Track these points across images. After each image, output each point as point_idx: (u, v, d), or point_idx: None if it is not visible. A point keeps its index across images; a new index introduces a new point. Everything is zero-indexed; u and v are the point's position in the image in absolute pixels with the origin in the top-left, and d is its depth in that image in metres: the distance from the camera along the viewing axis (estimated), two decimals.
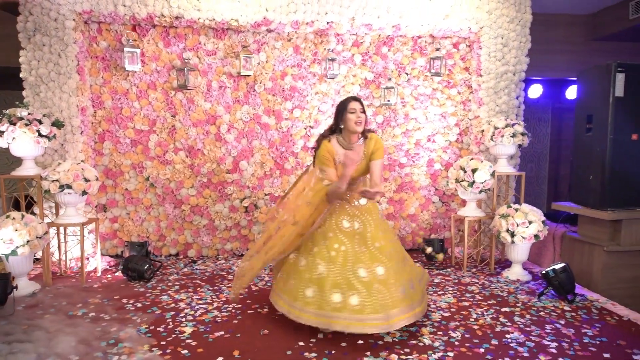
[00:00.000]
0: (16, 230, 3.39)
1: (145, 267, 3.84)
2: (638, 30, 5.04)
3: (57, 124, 3.88)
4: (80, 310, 3.20)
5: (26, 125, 3.64)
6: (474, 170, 3.98)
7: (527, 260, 4.21)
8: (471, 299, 3.45)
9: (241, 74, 4.38)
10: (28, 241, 3.43)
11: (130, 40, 4.28)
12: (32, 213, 3.83)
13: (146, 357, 2.54)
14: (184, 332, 2.87)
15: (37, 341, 2.68)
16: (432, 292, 3.59)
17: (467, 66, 4.77)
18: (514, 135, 4.11)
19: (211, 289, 3.67)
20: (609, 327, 2.99)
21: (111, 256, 4.48)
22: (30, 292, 3.50)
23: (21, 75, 4.09)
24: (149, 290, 3.62)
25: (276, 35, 4.52)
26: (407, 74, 4.71)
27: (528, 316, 3.13)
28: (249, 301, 3.40)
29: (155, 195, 4.53)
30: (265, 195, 4.64)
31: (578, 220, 4.11)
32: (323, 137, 2.93)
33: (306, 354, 2.58)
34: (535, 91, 5.83)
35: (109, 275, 4.00)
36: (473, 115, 4.72)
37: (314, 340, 2.74)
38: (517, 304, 3.35)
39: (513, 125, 4.15)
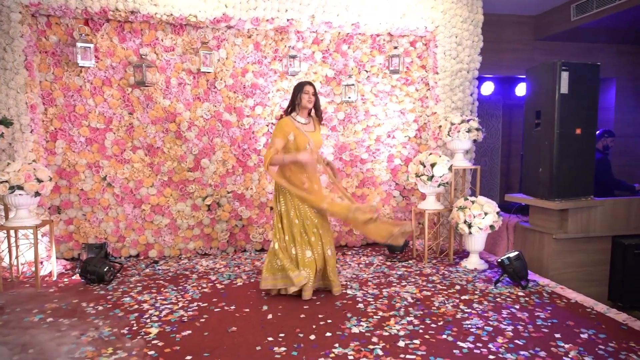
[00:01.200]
0: None
1: (105, 270, 3.72)
2: (579, 31, 5.38)
3: (5, 123, 3.69)
4: (37, 316, 3.07)
5: None
6: (432, 165, 4.13)
7: (484, 250, 4.41)
8: (433, 289, 3.58)
9: (201, 70, 4.32)
10: None
11: (83, 35, 4.12)
12: None
13: None
14: (150, 332, 2.81)
15: None
16: (395, 284, 3.70)
17: (424, 64, 4.93)
18: (469, 131, 4.30)
19: (175, 288, 3.61)
20: (559, 309, 3.20)
21: (67, 259, 4.31)
22: None
23: None
24: (110, 293, 3.52)
25: (236, 32, 4.49)
26: (366, 71, 4.81)
27: (486, 302, 3.29)
28: (214, 299, 3.38)
29: (113, 195, 4.39)
30: (228, 193, 4.60)
31: (529, 210, 4.35)
32: (282, 115, 3.52)
33: (275, 348, 2.60)
34: (488, 88, 6.09)
35: (66, 279, 3.85)
36: (430, 111, 4.88)
37: (282, 335, 2.77)
38: (476, 292, 3.51)
39: (468, 121, 4.33)
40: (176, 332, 2.83)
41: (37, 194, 3.56)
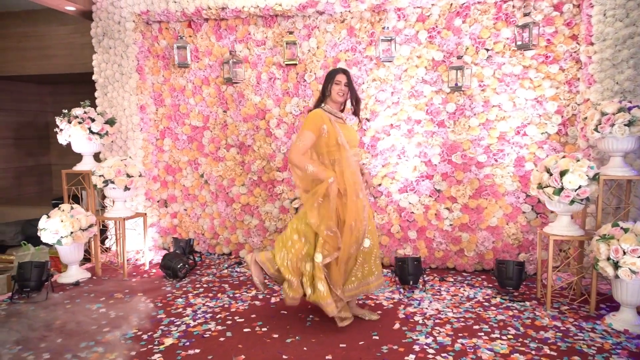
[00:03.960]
0: (62, 221, 3.62)
1: (179, 266, 3.77)
2: None
3: (110, 122, 4.06)
4: (96, 304, 3.24)
5: (79, 123, 3.87)
6: (562, 173, 2.92)
7: None
8: (534, 351, 2.49)
9: (285, 63, 4.01)
10: (72, 232, 3.63)
11: (184, 37, 4.27)
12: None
13: None
14: (163, 343, 2.64)
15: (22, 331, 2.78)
16: (483, 334, 2.72)
17: (576, 33, 3.58)
18: (630, 124, 2.90)
19: (231, 296, 3.40)
20: None
21: (167, 250, 4.57)
22: (73, 281, 3.71)
23: (93, 77, 4.41)
24: (173, 291, 3.52)
25: (328, 18, 4.03)
26: (487, 49, 3.75)
27: None
28: (254, 315, 3.03)
29: (209, 193, 4.47)
30: None
31: None
32: (315, 107, 2.89)
33: None
34: None
35: (154, 271, 4.05)
36: (582, 98, 3.52)
37: None
38: None
39: (630, 109, 2.93)
40: (184, 348, 2.58)
41: (126, 188, 3.80)
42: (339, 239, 2.65)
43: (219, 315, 3.03)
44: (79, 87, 6.31)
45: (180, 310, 3.14)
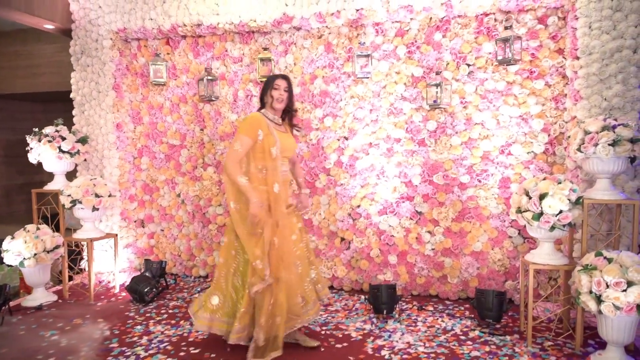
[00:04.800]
0: (25, 242, 3.52)
1: (146, 290, 3.61)
2: None
3: (82, 140, 3.98)
4: (51, 331, 3.09)
5: (49, 142, 3.79)
6: (542, 197, 2.70)
7: None
8: None
9: (259, 80, 3.90)
10: (35, 254, 3.52)
11: (161, 54, 4.20)
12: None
13: None
14: None
15: None
16: None
17: (562, 47, 3.38)
18: (615, 144, 2.67)
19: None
20: None
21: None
22: (37, 305, 3.59)
23: (71, 95, 4.36)
24: (136, 317, 3.36)
25: (305, 34, 3.91)
26: (468, 65, 3.57)
27: None
28: (210, 346, 2.84)
29: (186, 213, 4.33)
30: None
31: None
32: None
33: None
34: None
35: (124, 294, 3.90)
36: (569, 115, 3.30)
37: None
38: None
39: (614, 127, 2.70)
40: None
41: (94, 208, 3.69)
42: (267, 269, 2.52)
43: (173, 346, 2.85)
44: (69, 105, 6.31)
45: (136, 339, 2.97)
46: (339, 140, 3.88)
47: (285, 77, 2.75)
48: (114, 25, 4.15)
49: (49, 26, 4.26)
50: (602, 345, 2.74)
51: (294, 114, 2.86)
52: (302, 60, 3.92)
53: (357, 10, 3.55)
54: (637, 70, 3.03)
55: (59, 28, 4.31)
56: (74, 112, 4.36)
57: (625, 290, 2.36)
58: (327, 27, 3.82)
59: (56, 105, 6.71)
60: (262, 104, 2.78)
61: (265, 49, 3.91)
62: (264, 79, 3.81)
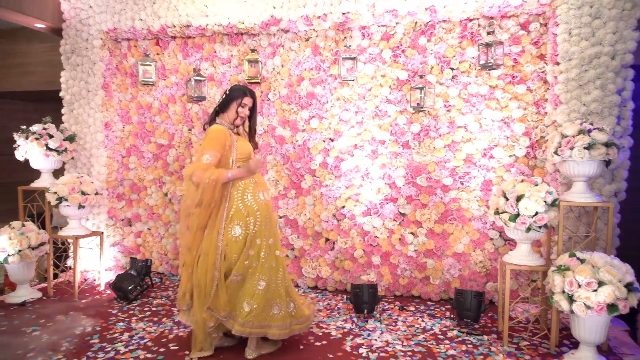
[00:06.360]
0: (10, 239, 3.53)
1: (130, 287, 3.63)
2: None
3: (70, 139, 4.01)
4: (33, 327, 3.10)
5: (36, 139, 3.82)
6: (518, 198, 2.74)
7: (631, 341, 2.71)
8: None
9: (247, 81, 3.94)
10: (19, 251, 3.53)
11: (150, 54, 4.24)
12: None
13: None
14: None
15: None
16: None
17: (543, 53, 3.44)
18: (590, 147, 2.72)
19: (176, 321, 3.24)
20: None
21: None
22: (20, 301, 3.59)
23: (60, 94, 4.39)
24: (119, 314, 3.38)
25: (293, 36, 3.96)
26: (452, 69, 3.62)
27: None
28: (177, 346, 2.86)
29: (173, 212, 4.36)
30: (280, 217, 4.05)
31: None
32: (211, 122, 2.76)
33: None
34: None
35: (108, 292, 3.92)
36: (550, 120, 3.35)
37: None
38: None
39: (590, 131, 2.75)
40: None
41: (81, 206, 3.71)
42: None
43: (153, 342, 2.87)
44: (61, 104, 6.34)
45: (117, 335, 2.99)
46: (324, 141, 3.93)
47: (253, 96, 2.73)
48: (104, 25, 4.19)
49: (40, 25, 4.29)
50: (576, 345, 2.77)
51: (254, 132, 2.86)
52: (290, 62, 3.97)
53: (344, 13, 3.60)
54: (614, 77, 3.09)
55: (50, 27, 4.34)
56: (63, 111, 4.39)
57: (596, 290, 2.40)
58: (314, 29, 3.87)
59: (48, 105, 6.73)
60: (217, 114, 2.71)
61: (253, 50, 3.96)
62: (254, 81, 3.91)
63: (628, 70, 3.11)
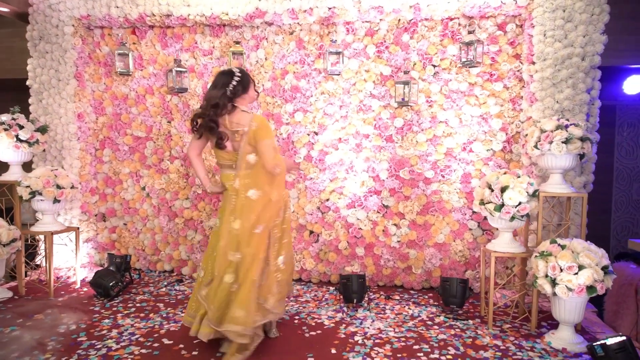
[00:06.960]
0: None
1: (111, 284, 3.52)
2: None
3: (42, 130, 3.81)
4: (10, 327, 2.95)
5: (5, 130, 3.61)
6: (503, 189, 2.90)
7: (601, 322, 2.95)
8: None
9: None
10: None
11: (127, 43, 4.09)
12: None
13: None
14: None
15: None
16: (423, 354, 2.62)
17: (519, 52, 3.64)
18: (567, 142, 2.92)
19: (164, 316, 3.18)
20: None
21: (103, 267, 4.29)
22: None
23: (27, 82, 4.16)
24: (102, 311, 3.27)
25: (277, 29, 3.95)
26: (434, 66, 3.76)
27: None
28: (183, 338, 2.83)
29: (151, 206, 4.25)
30: None
31: None
32: (222, 109, 2.63)
33: None
34: (634, 85, 4.30)
35: (85, 289, 3.77)
36: (525, 116, 3.56)
37: None
38: None
39: (567, 127, 2.96)
40: None
41: (56, 200, 3.54)
42: None
43: (145, 338, 2.81)
44: (22, 94, 5.97)
45: (105, 332, 2.90)
46: (309, 135, 3.96)
47: None
48: (76, 12, 4.00)
49: (4, 9, 4.04)
50: (554, 326, 2.99)
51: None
52: (274, 55, 3.96)
53: (330, 8, 3.64)
54: (584, 76, 3.33)
55: (15, 11, 4.10)
56: (30, 101, 4.16)
57: (577, 274, 2.60)
58: (299, 23, 3.89)
59: (7, 95, 6.31)
60: (234, 97, 2.63)
61: (237, 42, 3.92)
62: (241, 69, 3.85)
63: (596, 71, 3.36)
